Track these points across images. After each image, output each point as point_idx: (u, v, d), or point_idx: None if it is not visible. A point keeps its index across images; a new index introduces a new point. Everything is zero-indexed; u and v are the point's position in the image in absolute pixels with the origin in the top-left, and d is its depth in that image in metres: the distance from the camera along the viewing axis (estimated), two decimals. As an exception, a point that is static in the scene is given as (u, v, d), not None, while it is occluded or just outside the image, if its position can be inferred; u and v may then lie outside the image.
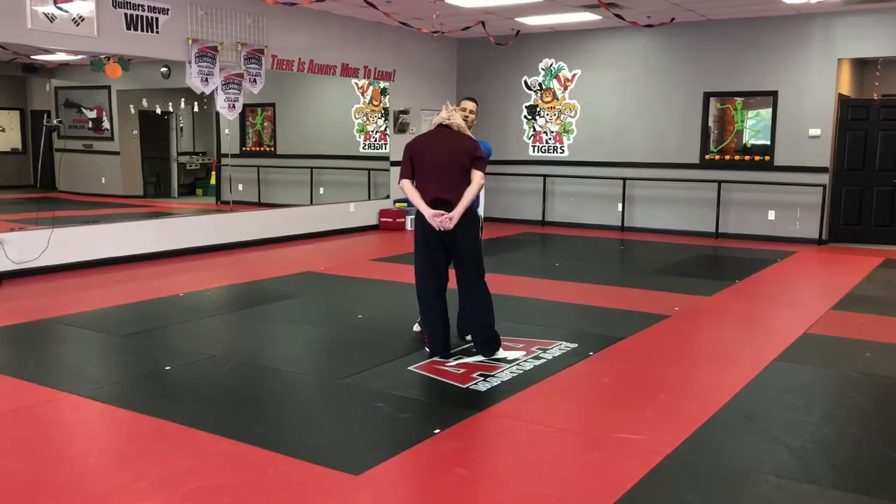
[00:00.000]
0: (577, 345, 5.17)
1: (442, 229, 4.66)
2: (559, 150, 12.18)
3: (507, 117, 12.53)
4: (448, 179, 4.70)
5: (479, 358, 4.81)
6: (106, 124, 12.76)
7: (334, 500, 3.01)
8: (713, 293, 7.02)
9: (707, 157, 11.01)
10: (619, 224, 11.69)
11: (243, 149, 12.37)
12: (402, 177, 4.85)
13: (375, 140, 12.14)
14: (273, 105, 12.15)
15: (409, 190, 4.82)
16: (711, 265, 9.03)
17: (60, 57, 10.10)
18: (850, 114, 10.29)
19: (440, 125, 4.88)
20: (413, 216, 5.01)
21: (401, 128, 11.89)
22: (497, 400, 4.11)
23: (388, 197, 11.87)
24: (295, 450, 3.43)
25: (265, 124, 12.33)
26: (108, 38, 7.90)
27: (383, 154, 11.95)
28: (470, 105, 5.29)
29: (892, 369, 4.78)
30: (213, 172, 12.47)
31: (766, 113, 10.62)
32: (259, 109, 12.22)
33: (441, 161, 4.73)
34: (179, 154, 13.59)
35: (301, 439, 3.60)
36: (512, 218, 12.54)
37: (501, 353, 4.86)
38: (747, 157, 10.76)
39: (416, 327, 5.41)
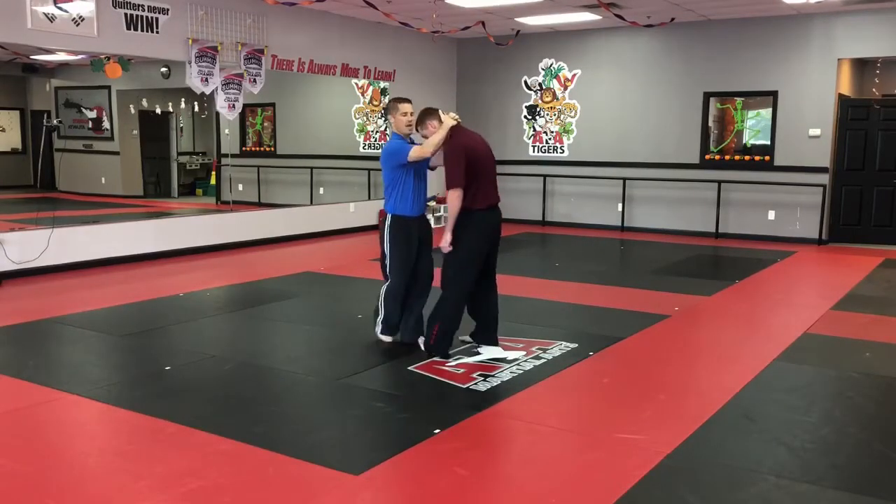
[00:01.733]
0: (577, 345, 5.17)
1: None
2: (559, 150, 12.18)
3: (506, 117, 12.53)
4: (495, 182, 4.75)
5: (479, 358, 4.81)
6: (106, 124, 12.77)
7: (334, 500, 3.01)
8: (713, 293, 7.01)
9: (707, 157, 11.01)
10: (619, 224, 11.68)
11: (243, 149, 12.37)
12: (456, 185, 4.47)
13: (375, 140, 12.14)
14: (273, 105, 12.15)
15: (456, 203, 4.50)
16: (711, 265, 9.03)
17: (60, 57, 10.11)
18: (850, 114, 10.29)
19: (456, 126, 4.77)
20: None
21: (401, 128, 11.87)
22: (497, 400, 4.11)
23: (388, 197, 11.85)
24: (295, 450, 3.43)
25: (265, 124, 12.33)
26: (108, 38, 7.90)
27: (383, 154, 11.93)
28: (410, 108, 4.99)
29: (892, 369, 4.78)
30: (213, 172, 12.49)
31: (766, 113, 10.62)
32: (259, 109, 12.22)
33: (489, 164, 4.73)
34: (179, 154, 13.62)
35: (301, 439, 3.60)
36: (512, 218, 12.51)
37: (501, 353, 4.86)
38: (747, 157, 10.75)
39: (386, 338, 5.17)
